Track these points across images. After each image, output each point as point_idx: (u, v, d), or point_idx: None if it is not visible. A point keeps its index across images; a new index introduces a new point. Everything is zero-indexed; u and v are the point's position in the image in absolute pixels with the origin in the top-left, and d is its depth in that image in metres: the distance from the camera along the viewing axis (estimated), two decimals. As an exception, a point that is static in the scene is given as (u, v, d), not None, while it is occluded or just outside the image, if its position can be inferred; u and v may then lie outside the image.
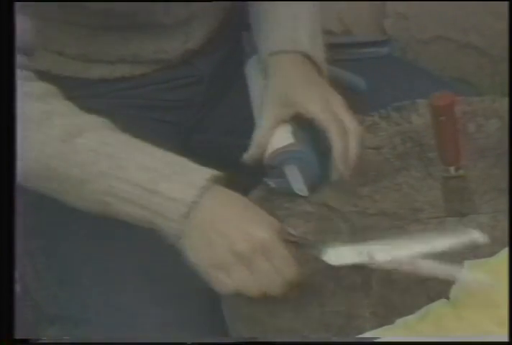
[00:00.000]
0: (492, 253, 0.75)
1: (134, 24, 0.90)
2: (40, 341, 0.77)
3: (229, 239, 0.72)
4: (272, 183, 0.85)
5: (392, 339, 0.69)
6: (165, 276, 0.82)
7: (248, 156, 0.86)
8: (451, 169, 0.83)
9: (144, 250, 0.83)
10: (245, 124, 0.97)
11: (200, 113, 0.99)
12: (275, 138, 0.85)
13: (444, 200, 0.82)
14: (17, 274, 0.70)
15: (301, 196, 0.84)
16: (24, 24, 0.78)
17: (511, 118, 0.88)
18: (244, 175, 0.94)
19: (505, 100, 0.91)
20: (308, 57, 0.88)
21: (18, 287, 0.80)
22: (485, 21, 1.39)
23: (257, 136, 0.85)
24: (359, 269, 0.74)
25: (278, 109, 0.85)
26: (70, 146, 0.75)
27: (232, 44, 1.00)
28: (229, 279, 0.72)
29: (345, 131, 0.82)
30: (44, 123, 0.76)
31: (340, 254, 0.71)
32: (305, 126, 0.85)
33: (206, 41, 0.96)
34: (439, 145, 0.84)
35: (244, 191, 0.85)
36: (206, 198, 0.73)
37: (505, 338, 0.67)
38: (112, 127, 0.78)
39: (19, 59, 0.75)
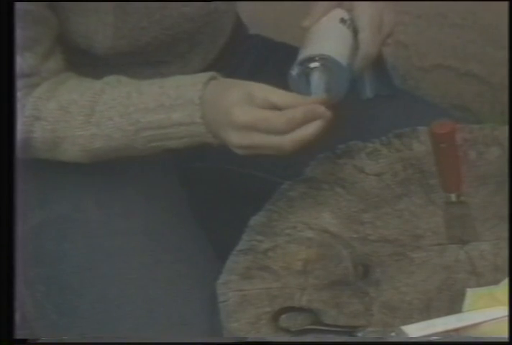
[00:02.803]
0: (495, 281, 0.74)
1: (134, 61, 0.91)
2: (40, 341, 0.77)
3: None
4: (292, 84, 0.84)
5: (393, 339, 0.69)
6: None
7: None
8: (453, 196, 0.83)
9: (143, 266, 0.84)
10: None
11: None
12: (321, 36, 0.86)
13: (445, 227, 0.82)
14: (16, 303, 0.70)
15: (302, 221, 0.84)
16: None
17: (511, 145, 0.88)
18: (245, 202, 0.94)
19: (505, 128, 0.91)
20: None
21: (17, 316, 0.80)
22: (485, 50, 1.40)
23: None
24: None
25: None
26: (93, 126, 0.83)
27: (234, 68, 1.01)
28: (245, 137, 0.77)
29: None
30: (67, 118, 0.83)
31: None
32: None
33: (205, 67, 0.96)
34: (440, 172, 0.83)
35: (244, 218, 0.85)
36: (207, 102, 0.80)
37: (505, 339, 0.66)
38: (114, 84, 0.84)
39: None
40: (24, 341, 0.72)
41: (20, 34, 0.78)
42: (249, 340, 0.72)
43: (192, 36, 0.93)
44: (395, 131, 0.93)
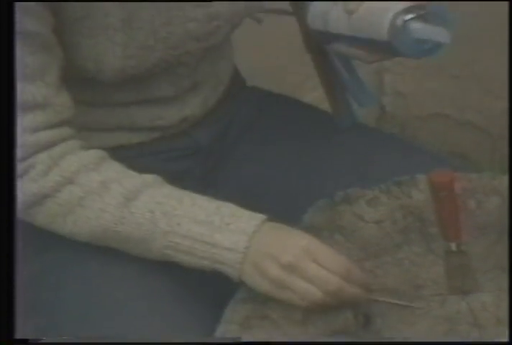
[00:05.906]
0: (497, 334, 0.73)
1: (137, 98, 0.91)
2: (40, 341, 0.76)
3: (274, 257, 0.78)
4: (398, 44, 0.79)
5: (393, 339, 0.69)
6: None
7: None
8: (453, 245, 0.82)
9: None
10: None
11: (200, 186, 0.99)
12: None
13: (446, 277, 0.81)
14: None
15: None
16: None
17: (511, 195, 0.88)
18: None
19: (505, 178, 0.91)
20: None
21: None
22: (482, 99, 1.41)
23: None
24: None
25: None
26: (128, 210, 0.81)
27: (231, 116, 1.01)
28: (296, 296, 0.77)
29: None
30: (103, 193, 0.81)
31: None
32: None
33: (204, 111, 0.96)
34: (439, 221, 0.83)
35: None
36: (256, 240, 0.79)
37: (506, 338, 0.65)
38: (163, 182, 0.84)
39: None
40: (24, 341, 0.71)
41: (29, 59, 0.78)
42: (247, 340, 0.71)
43: (194, 68, 0.92)
44: (394, 178, 0.92)
